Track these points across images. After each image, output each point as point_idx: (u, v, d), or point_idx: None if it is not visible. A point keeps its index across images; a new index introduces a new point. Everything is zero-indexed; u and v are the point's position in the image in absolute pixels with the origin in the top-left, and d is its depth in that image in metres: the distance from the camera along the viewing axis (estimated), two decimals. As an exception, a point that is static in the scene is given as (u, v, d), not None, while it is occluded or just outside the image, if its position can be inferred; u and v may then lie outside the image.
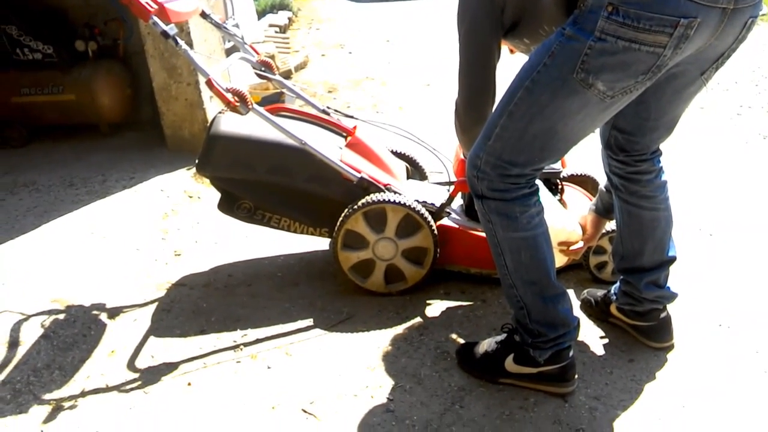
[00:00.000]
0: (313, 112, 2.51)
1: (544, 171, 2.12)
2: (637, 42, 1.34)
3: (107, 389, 1.87)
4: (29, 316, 2.20)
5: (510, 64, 1.92)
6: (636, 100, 1.53)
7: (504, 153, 1.56)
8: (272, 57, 4.74)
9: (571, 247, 2.10)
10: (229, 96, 1.97)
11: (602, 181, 1.99)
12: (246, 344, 2.03)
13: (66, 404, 1.81)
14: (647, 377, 1.82)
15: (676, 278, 1.94)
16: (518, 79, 1.52)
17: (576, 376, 1.77)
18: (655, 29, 1.32)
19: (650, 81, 1.43)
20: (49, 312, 2.24)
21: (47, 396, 1.85)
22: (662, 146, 1.81)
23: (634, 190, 1.81)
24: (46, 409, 1.79)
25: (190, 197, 3.11)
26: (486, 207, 1.63)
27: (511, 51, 2.01)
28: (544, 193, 2.10)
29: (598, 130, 1.77)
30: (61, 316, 2.21)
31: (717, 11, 1.34)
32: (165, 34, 2.02)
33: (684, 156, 3.29)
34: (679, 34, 1.33)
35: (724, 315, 2.06)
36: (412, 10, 8.00)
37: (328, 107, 2.54)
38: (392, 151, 2.58)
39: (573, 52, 1.41)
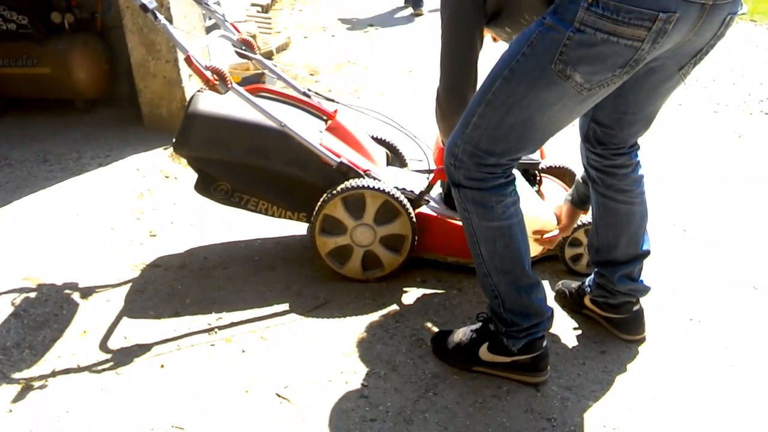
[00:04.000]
0: (294, 94, 2.48)
1: (522, 162, 2.14)
2: (616, 35, 1.34)
3: (78, 369, 1.85)
4: (-1, 294, 2.17)
5: (492, 52, 1.91)
6: (614, 93, 1.54)
7: (481, 142, 1.56)
8: (253, 37, 4.69)
9: (545, 236, 2.12)
10: (208, 74, 1.94)
11: (579, 172, 2.00)
12: (221, 327, 2.03)
13: (36, 384, 1.79)
14: (619, 369, 1.85)
15: (649, 272, 1.97)
16: (497, 68, 1.52)
17: (549, 366, 1.79)
18: (634, 22, 1.33)
19: (628, 75, 1.44)
20: (20, 290, 2.20)
21: (17, 375, 1.82)
22: (640, 141, 1.83)
23: (610, 183, 1.82)
24: (16, 389, 1.77)
25: (167, 177, 3.07)
26: (462, 196, 1.64)
27: (494, 39, 2.01)
28: (520, 182, 2.11)
29: (577, 122, 1.78)
30: (33, 295, 2.18)
31: (696, 6, 1.35)
32: (144, 7, 1.98)
33: (661, 151, 3.31)
34: (657, 29, 1.33)
35: (695, 309, 2.09)
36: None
37: (309, 90, 2.51)
38: (372, 137, 2.57)
39: (552, 42, 1.41)
